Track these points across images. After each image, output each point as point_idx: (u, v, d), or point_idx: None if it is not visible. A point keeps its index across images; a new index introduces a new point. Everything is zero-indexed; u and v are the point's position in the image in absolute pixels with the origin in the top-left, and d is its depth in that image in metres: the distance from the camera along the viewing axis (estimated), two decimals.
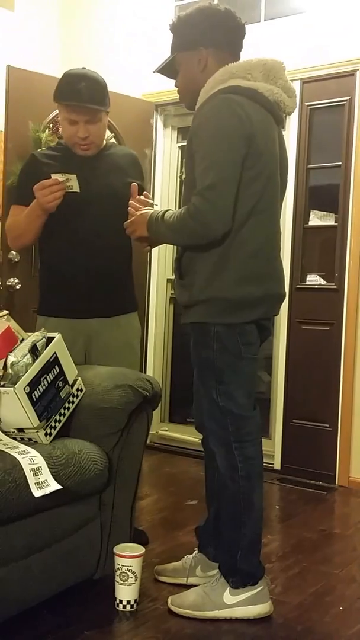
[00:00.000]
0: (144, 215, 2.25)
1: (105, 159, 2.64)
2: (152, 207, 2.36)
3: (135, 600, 2.19)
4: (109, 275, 2.61)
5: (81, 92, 2.47)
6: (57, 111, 3.83)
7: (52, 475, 1.95)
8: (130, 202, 2.40)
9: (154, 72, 2.32)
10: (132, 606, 2.18)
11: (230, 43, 2.22)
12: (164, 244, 2.75)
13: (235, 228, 2.09)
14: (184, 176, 2.77)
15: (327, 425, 3.82)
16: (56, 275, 2.61)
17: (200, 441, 2.43)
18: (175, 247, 2.40)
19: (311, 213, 3.93)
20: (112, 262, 2.63)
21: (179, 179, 4.52)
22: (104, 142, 2.68)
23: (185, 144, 2.77)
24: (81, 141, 2.55)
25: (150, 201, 2.41)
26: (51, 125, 3.82)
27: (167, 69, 2.30)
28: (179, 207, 2.17)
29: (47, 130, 3.79)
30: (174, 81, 2.32)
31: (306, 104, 3.87)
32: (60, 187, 2.38)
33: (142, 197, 2.44)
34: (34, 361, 2.11)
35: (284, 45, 3.81)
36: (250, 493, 2.17)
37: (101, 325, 2.61)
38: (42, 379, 2.10)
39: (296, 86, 2.91)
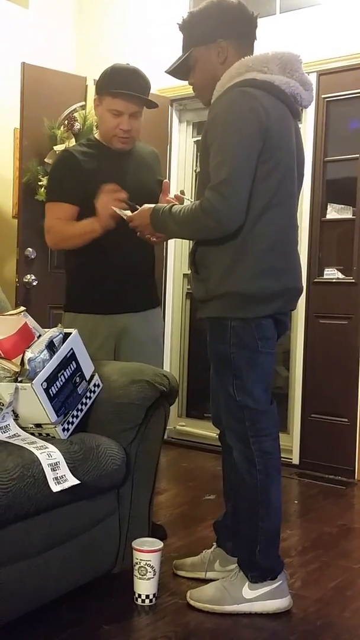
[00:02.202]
0: (148, 207, 2.24)
1: (134, 155, 2.64)
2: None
3: (154, 595, 2.20)
4: (138, 271, 2.63)
5: (133, 83, 2.48)
6: (72, 107, 3.90)
7: (70, 470, 1.96)
8: (160, 198, 2.40)
9: (166, 72, 2.29)
10: (150, 600, 2.19)
11: (246, 34, 2.21)
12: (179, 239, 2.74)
13: (251, 222, 2.08)
14: (198, 170, 2.76)
15: (346, 420, 3.80)
16: (87, 272, 2.61)
17: (217, 436, 2.43)
18: (190, 241, 2.38)
19: (328, 206, 3.91)
20: (141, 258, 2.64)
21: (194, 174, 4.51)
22: None
23: (200, 138, 2.75)
24: (123, 134, 2.52)
25: (186, 197, 2.40)
26: (66, 122, 3.83)
27: (180, 68, 2.26)
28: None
29: (62, 127, 3.80)
30: None
31: (322, 96, 3.84)
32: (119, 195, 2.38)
33: (178, 194, 2.46)
34: (51, 357, 2.11)
35: (299, 37, 3.79)
36: (268, 488, 2.16)
37: (131, 320, 2.62)
38: (59, 374, 2.11)
39: (312, 78, 2.89)
